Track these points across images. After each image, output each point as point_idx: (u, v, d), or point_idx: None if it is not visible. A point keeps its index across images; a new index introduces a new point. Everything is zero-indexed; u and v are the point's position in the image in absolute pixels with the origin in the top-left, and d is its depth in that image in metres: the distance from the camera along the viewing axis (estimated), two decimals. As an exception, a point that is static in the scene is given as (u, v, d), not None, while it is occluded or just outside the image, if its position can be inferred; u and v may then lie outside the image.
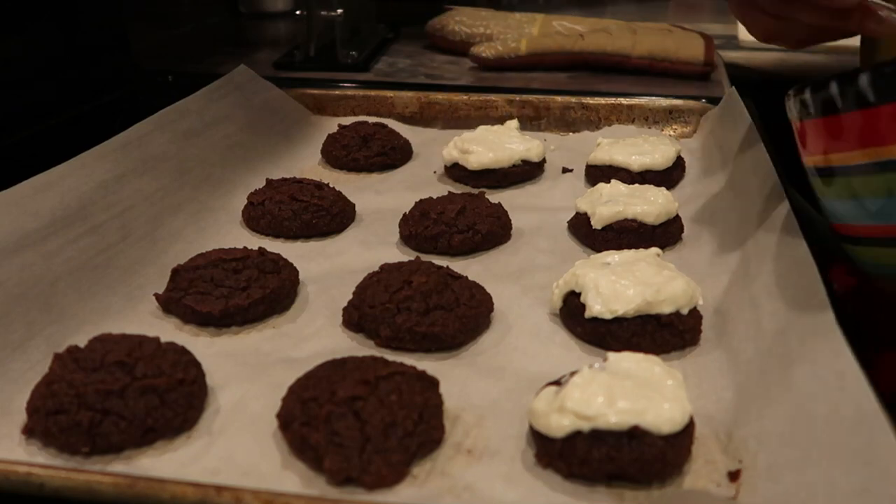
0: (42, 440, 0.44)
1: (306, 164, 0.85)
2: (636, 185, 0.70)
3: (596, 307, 0.53)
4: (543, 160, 0.82)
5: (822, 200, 0.51)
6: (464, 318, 0.53)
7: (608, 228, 0.66)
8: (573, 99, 0.94)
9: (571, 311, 0.55)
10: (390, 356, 0.49)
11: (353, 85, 0.99)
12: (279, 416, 0.45)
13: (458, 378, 0.50)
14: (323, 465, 0.41)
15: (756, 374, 0.48)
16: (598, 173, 0.77)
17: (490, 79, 1.05)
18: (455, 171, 0.79)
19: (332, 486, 0.41)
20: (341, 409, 0.42)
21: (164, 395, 0.45)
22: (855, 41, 0.84)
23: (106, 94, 0.95)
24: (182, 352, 0.48)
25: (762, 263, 0.56)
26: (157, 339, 0.48)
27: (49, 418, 0.43)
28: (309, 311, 0.58)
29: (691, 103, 0.92)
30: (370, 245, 0.68)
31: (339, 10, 1.08)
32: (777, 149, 0.70)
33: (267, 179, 0.73)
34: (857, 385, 0.38)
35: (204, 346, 0.53)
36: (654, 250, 0.58)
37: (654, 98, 0.93)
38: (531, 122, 0.93)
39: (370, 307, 0.54)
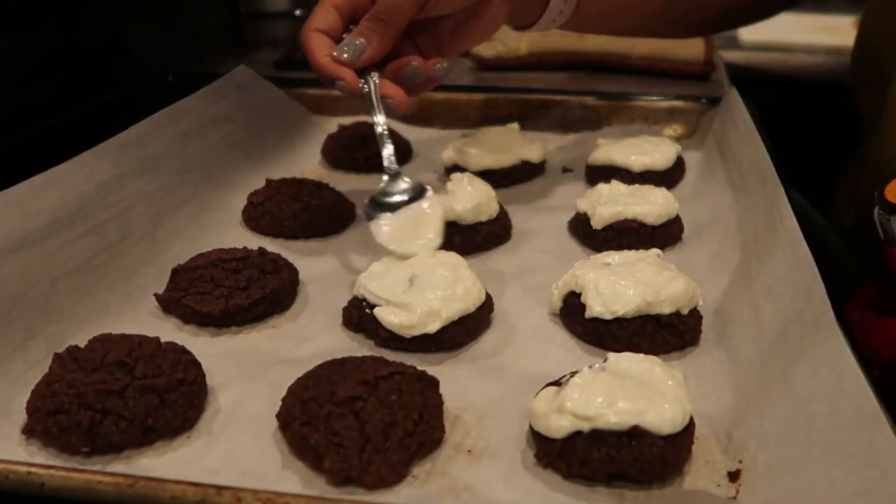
0: (42, 440, 0.44)
1: (306, 164, 0.85)
2: (636, 185, 0.70)
3: (596, 307, 0.53)
4: (543, 160, 0.82)
5: None
6: (464, 318, 0.53)
7: (608, 229, 0.66)
8: (573, 99, 0.93)
9: (571, 311, 0.55)
10: (390, 356, 0.49)
11: (353, 85, 0.99)
12: (279, 416, 0.45)
13: (458, 378, 0.50)
14: (323, 465, 0.41)
15: (756, 375, 0.48)
16: (598, 173, 0.77)
17: (490, 79, 1.05)
18: (455, 172, 0.79)
19: (332, 486, 0.41)
20: (341, 409, 0.42)
21: (164, 395, 0.45)
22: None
23: (106, 94, 0.95)
24: (182, 352, 0.48)
25: (762, 263, 0.56)
26: (157, 339, 0.48)
27: (49, 418, 0.43)
28: (309, 311, 0.58)
29: (691, 103, 0.92)
30: (370, 245, 0.68)
31: (339, 11, 1.08)
32: (777, 149, 0.70)
33: (267, 179, 0.73)
34: (857, 385, 0.38)
35: (204, 346, 0.53)
36: (655, 251, 0.58)
37: (654, 98, 0.93)
38: (531, 122, 0.93)
39: (370, 307, 0.54)
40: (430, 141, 0.89)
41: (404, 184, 0.62)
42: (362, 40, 0.61)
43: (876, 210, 0.48)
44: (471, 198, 0.65)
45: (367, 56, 0.62)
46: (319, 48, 0.62)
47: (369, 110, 0.63)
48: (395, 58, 0.64)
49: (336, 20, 0.63)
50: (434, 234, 0.60)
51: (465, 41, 0.68)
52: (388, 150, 0.63)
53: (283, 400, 0.45)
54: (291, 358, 0.52)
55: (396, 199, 0.62)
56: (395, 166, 0.63)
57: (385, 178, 0.63)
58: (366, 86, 0.62)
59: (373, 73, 0.63)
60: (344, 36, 0.63)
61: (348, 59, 0.61)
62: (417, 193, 0.62)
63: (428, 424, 0.43)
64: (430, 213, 0.61)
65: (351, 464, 0.41)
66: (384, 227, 0.60)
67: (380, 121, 0.63)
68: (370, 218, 0.61)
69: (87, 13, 0.95)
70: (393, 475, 0.41)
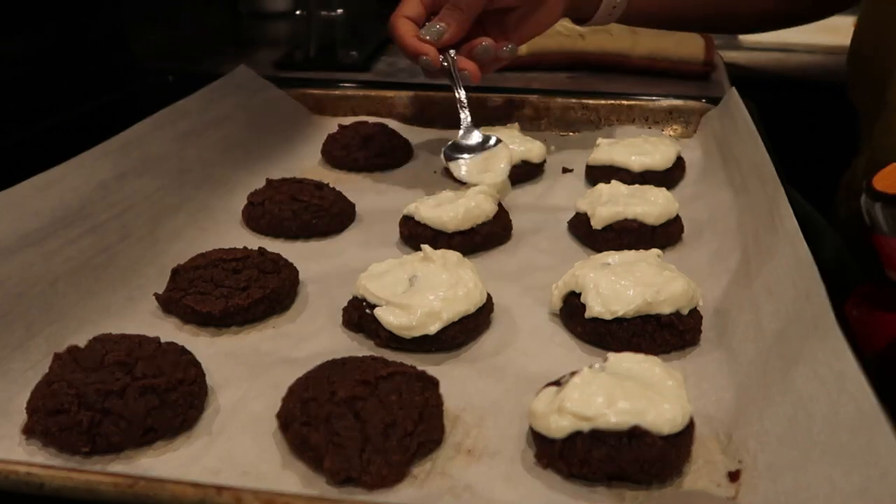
0: (42, 440, 0.44)
1: (306, 164, 0.85)
2: (636, 185, 0.70)
3: (596, 307, 0.53)
4: (543, 160, 0.82)
5: None
6: (464, 318, 0.53)
7: (608, 229, 0.66)
8: (573, 99, 0.93)
9: (571, 312, 0.55)
10: (390, 356, 0.49)
11: (353, 85, 0.99)
12: (279, 416, 0.45)
13: (458, 378, 0.50)
14: (323, 466, 0.41)
15: (756, 375, 0.48)
16: (598, 173, 0.77)
17: (490, 79, 1.04)
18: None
19: (332, 486, 0.41)
20: (341, 409, 0.42)
21: (164, 395, 0.45)
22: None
23: (106, 94, 0.95)
24: (182, 352, 0.48)
25: (762, 263, 0.56)
26: (157, 339, 0.48)
27: (49, 418, 0.43)
28: (309, 311, 0.58)
29: (691, 103, 0.92)
30: (370, 245, 0.68)
31: (339, 10, 1.08)
32: (777, 149, 0.70)
33: (267, 179, 0.73)
34: (857, 385, 0.38)
35: (204, 346, 0.53)
36: (655, 251, 0.58)
37: (654, 98, 0.93)
38: (531, 122, 0.93)
39: (370, 307, 0.54)
40: (430, 141, 0.89)
41: (478, 135, 0.77)
42: (443, 24, 0.74)
43: (863, 197, 0.48)
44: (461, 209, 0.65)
45: (447, 38, 0.74)
46: (407, 31, 0.74)
47: (449, 81, 0.76)
48: (468, 41, 0.76)
49: (420, 9, 0.76)
50: (501, 170, 0.73)
51: (527, 31, 0.79)
52: (464, 115, 0.77)
53: (283, 400, 0.45)
54: (291, 358, 0.52)
55: (471, 144, 0.76)
56: (470, 122, 0.77)
57: (461, 131, 0.77)
58: (445, 62, 0.74)
59: (451, 52, 0.75)
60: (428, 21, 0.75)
61: (431, 39, 0.73)
62: (488, 141, 0.76)
63: (428, 424, 0.43)
64: (499, 154, 0.75)
65: (351, 464, 0.41)
66: (462, 166, 0.74)
67: (460, 91, 0.76)
68: (449, 159, 0.74)
69: (88, 13, 0.95)
70: (393, 475, 0.41)
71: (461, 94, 0.76)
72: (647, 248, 0.59)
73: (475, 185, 0.69)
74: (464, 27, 0.75)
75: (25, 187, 0.60)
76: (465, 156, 0.75)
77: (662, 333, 0.53)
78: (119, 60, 1.01)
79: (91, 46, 0.95)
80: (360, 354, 0.49)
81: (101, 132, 0.70)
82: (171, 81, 1.02)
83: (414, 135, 0.90)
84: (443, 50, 0.75)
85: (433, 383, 0.46)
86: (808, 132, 0.99)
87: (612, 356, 0.45)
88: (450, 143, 0.76)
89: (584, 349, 0.54)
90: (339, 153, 0.84)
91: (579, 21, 0.84)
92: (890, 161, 0.61)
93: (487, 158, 0.74)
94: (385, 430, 0.42)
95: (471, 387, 0.49)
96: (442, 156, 0.75)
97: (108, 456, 0.43)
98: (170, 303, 0.56)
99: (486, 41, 0.75)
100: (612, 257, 0.57)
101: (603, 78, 1.05)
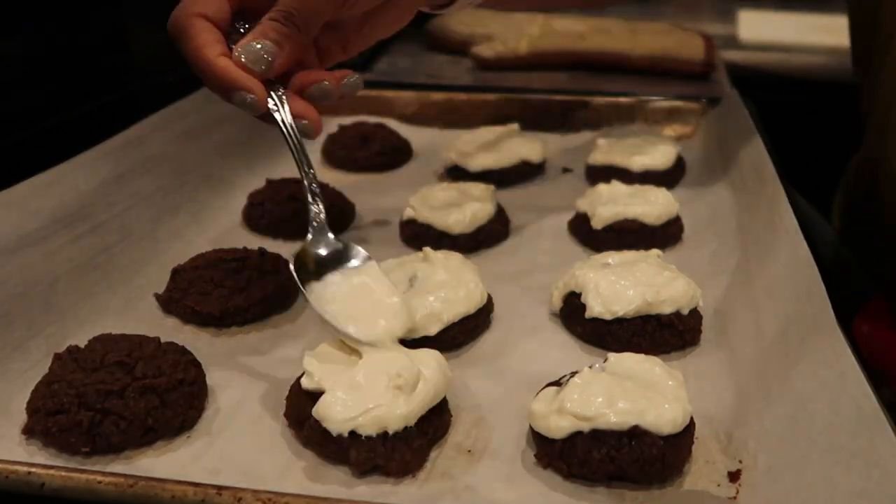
0: (42, 440, 0.44)
1: (306, 164, 0.85)
2: (636, 185, 0.70)
3: (596, 308, 0.53)
4: (543, 160, 0.82)
5: None
6: (464, 319, 0.53)
7: (608, 229, 0.66)
8: (573, 99, 0.93)
9: (571, 312, 0.55)
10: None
11: (353, 85, 0.99)
12: (287, 415, 0.45)
13: (458, 378, 0.50)
14: (348, 458, 0.41)
15: (756, 375, 0.48)
16: (598, 173, 0.77)
17: (490, 79, 1.04)
18: (455, 172, 0.79)
19: (356, 476, 0.42)
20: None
21: (164, 395, 0.45)
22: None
23: (106, 94, 0.95)
24: (182, 352, 0.48)
25: (762, 263, 0.56)
26: (157, 339, 0.48)
27: (49, 418, 0.43)
28: (309, 311, 0.58)
29: (691, 103, 0.92)
30: (370, 245, 0.68)
31: (339, 10, 1.08)
32: (777, 149, 0.70)
33: (267, 179, 0.73)
34: (857, 385, 0.39)
35: (204, 346, 0.53)
36: (655, 251, 0.58)
37: (654, 98, 0.93)
38: (531, 122, 0.93)
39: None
40: (430, 141, 0.89)
41: (332, 239, 0.51)
42: (270, 44, 0.48)
43: None
44: (467, 212, 0.66)
45: (278, 65, 0.49)
46: (209, 43, 0.48)
47: (283, 132, 0.51)
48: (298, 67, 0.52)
49: (224, 6, 0.50)
50: (395, 310, 0.48)
51: (374, 34, 0.57)
52: (316, 207, 0.52)
53: (289, 399, 0.45)
54: (291, 358, 0.52)
55: (323, 255, 0.50)
56: (323, 217, 0.52)
57: (310, 234, 0.51)
58: (274, 104, 0.49)
59: (278, 88, 0.50)
60: (241, 30, 0.51)
61: (255, 67, 0.48)
62: (348, 254, 0.51)
63: (438, 408, 0.44)
64: (375, 281, 0.49)
65: (376, 452, 0.41)
66: (328, 303, 0.48)
67: (302, 154, 0.51)
68: (302, 281, 0.49)
69: (87, 13, 0.95)
70: (416, 460, 0.42)
71: (303, 159, 0.51)
72: (647, 248, 0.59)
73: (354, 338, 0.46)
74: (300, 52, 0.50)
75: (25, 187, 0.60)
76: (332, 278, 0.49)
77: (662, 333, 0.53)
78: (119, 60, 1.01)
79: (91, 46, 0.95)
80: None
81: (101, 132, 0.70)
82: (171, 81, 1.01)
83: (414, 135, 0.90)
84: (268, 82, 0.50)
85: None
86: (808, 132, 0.99)
87: (612, 356, 0.45)
88: (297, 252, 0.51)
89: (584, 349, 0.54)
90: (339, 153, 0.84)
91: (438, 9, 0.62)
92: (882, 159, 0.60)
93: (359, 288, 0.49)
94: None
95: (471, 387, 0.50)
96: (293, 271, 0.49)
97: (108, 456, 0.43)
98: (170, 303, 0.56)
99: (326, 79, 0.51)
100: (612, 257, 0.57)
101: (603, 78, 1.05)
